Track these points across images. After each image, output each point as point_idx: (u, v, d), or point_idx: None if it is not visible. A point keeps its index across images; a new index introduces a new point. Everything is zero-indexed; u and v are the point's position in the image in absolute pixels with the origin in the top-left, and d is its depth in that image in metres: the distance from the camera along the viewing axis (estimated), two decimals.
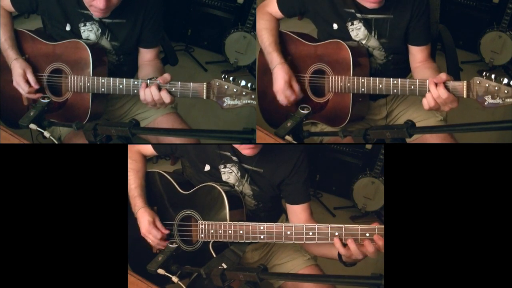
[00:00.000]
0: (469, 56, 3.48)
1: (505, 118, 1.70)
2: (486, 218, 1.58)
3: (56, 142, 1.85)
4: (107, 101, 2.14)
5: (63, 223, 1.67)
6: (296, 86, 2.02)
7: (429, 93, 1.71)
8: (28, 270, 1.65)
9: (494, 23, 3.35)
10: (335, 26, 2.01)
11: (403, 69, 2.04)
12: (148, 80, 1.83)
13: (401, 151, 1.65)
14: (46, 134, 1.79)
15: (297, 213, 1.86)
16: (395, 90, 1.84)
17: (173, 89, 1.82)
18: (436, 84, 1.69)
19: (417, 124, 1.66)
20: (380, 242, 1.52)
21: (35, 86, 2.00)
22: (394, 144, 1.64)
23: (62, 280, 1.65)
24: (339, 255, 1.63)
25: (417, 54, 2.00)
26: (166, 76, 1.83)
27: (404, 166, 1.63)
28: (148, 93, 1.82)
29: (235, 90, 1.75)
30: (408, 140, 1.65)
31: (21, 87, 1.99)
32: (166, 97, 1.81)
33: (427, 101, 1.72)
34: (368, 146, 3.21)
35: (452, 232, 1.58)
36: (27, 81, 1.99)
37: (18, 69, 1.99)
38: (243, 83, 1.74)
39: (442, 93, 1.68)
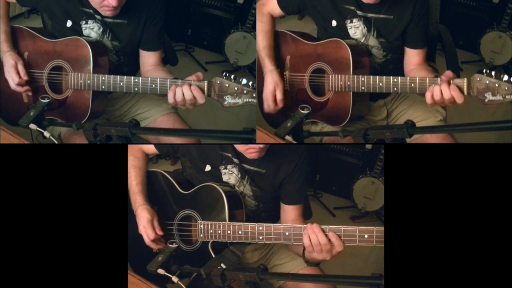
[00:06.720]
0: (469, 56, 3.47)
1: (505, 118, 1.70)
2: (486, 218, 1.58)
3: (56, 142, 1.84)
4: (107, 100, 2.14)
5: (63, 223, 1.67)
6: (279, 96, 2.02)
7: (437, 86, 1.71)
8: (28, 270, 1.65)
9: (494, 23, 3.35)
10: (334, 23, 2.01)
11: (402, 68, 2.04)
12: (180, 81, 1.81)
13: (401, 151, 1.65)
14: (46, 134, 1.79)
15: (286, 211, 1.88)
16: (395, 88, 1.84)
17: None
18: (449, 83, 1.68)
19: (417, 124, 1.66)
20: (333, 239, 1.55)
21: (24, 77, 1.99)
22: (394, 144, 1.64)
23: (62, 280, 1.65)
24: (303, 252, 1.65)
25: (412, 57, 2.00)
26: (199, 74, 1.81)
27: (404, 166, 1.63)
28: (180, 93, 1.79)
29: (236, 88, 1.75)
30: (408, 140, 1.65)
31: (11, 78, 1.99)
32: (201, 97, 1.79)
33: (434, 95, 1.71)
34: (368, 146, 3.20)
35: (452, 232, 1.58)
36: (18, 73, 1.99)
37: (10, 60, 1.99)
38: (244, 81, 1.74)
39: (454, 91, 1.67)
